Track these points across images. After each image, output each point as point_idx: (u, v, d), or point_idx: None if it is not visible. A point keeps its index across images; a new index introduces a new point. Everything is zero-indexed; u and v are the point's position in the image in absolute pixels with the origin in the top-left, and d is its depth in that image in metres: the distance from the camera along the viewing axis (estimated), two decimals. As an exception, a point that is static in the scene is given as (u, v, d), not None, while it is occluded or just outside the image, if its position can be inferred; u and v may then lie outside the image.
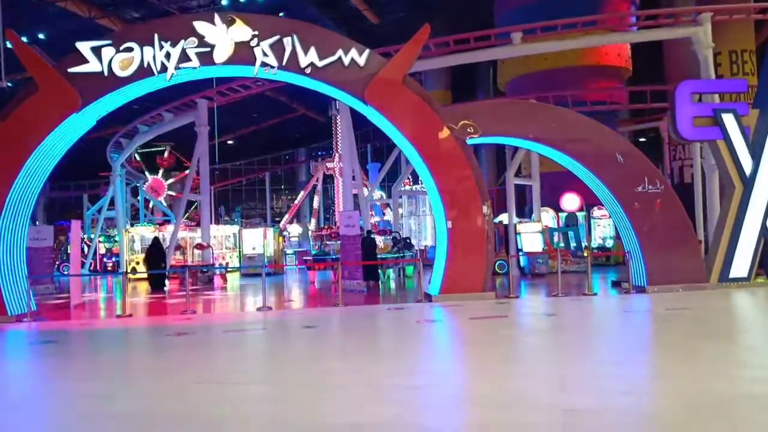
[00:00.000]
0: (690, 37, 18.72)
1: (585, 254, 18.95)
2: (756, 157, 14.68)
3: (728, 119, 14.79)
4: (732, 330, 9.69)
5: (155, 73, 12.82)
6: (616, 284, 15.95)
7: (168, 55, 12.77)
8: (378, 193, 36.04)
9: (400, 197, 29.50)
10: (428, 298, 13.67)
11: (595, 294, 14.18)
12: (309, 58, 13.03)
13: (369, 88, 13.17)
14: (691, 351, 7.67)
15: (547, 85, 27.46)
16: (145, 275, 20.67)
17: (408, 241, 21.83)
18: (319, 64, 13.09)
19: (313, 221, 42.23)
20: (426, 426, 5.02)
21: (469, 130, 14.03)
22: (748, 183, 14.65)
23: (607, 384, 6.12)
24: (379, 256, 18.64)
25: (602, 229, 26.28)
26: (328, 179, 42.95)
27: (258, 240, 25.40)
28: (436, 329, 10.58)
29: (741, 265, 14.40)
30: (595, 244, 25.59)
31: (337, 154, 35.71)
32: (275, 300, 15.50)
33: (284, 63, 13.08)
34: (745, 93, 17.46)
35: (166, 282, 19.66)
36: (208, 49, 12.87)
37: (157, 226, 28.38)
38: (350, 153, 20.74)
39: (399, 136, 13.83)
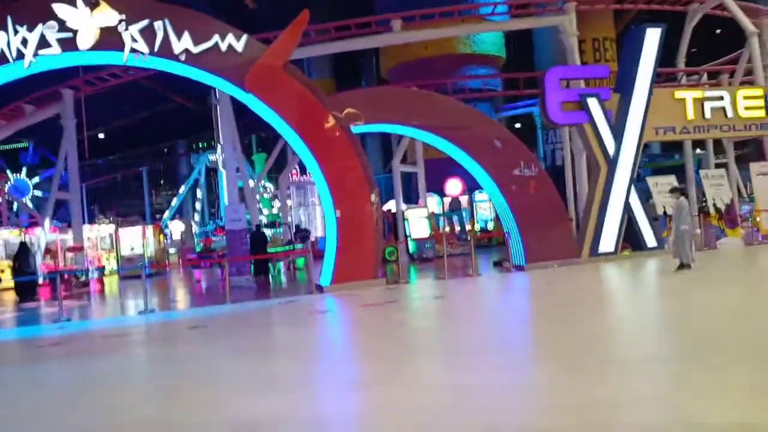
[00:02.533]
0: (557, 26, 19.86)
1: (468, 237, 19.66)
2: (618, 138, 15.84)
3: (593, 103, 15.84)
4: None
5: (11, 60, 11.73)
6: (497, 264, 16.67)
7: (24, 41, 11.71)
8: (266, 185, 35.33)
9: (288, 188, 29.08)
10: (320, 289, 13.58)
11: (480, 275, 14.74)
12: (183, 43, 12.43)
13: (249, 75, 12.77)
14: (562, 321, 8.16)
15: (428, 72, 28.11)
16: (11, 284, 18.92)
17: (308, 232, 21.62)
18: (195, 50, 12.53)
19: (197, 217, 40.69)
20: (322, 414, 4.96)
21: (353, 118, 14.04)
22: (612, 163, 15.79)
23: (492, 360, 6.36)
24: (269, 249, 18.26)
25: (484, 212, 27.39)
26: (212, 172, 41.50)
27: (137, 239, 24.03)
28: (328, 319, 10.53)
29: (608, 241, 15.54)
30: (478, 226, 26.62)
31: (219, 146, 34.53)
32: (158, 302, 14.74)
33: (156, 49, 12.39)
34: (607, 78, 18.73)
35: (37, 290, 18.10)
36: (71, 34, 11.92)
37: (24, 229, 26.06)
38: (233, 144, 20.10)
39: (283, 126, 13.56)
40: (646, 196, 16.67)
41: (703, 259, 13.97)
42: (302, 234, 20.06)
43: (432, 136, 15.40)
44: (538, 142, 34.56)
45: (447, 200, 27.04)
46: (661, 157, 38.34)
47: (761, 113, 17.43)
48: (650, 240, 15.84)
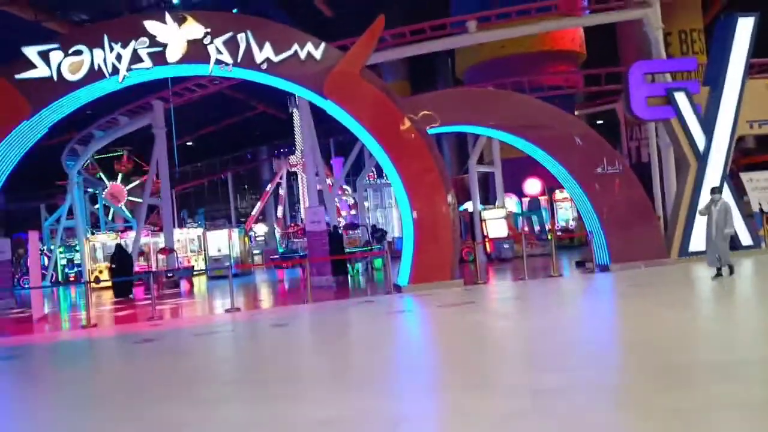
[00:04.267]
0: (641, 19, 19.09)
1: (549, 237, 19.24)
2: (708, 133, 15.09)
3: (680, 98, 15.16)
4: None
5: (107, 75, 12.53)
6: (579, 264, 16.24)
7: (119, 57, 12.50)
8: (344, 188, 35.96)
9: (366, 191, 29.48)
10: (398, 289, 13.71)
11: (560, 275, 14.42)
12: (264, 53, 12.90)
13: (327, 81, 13.10)
14: (652, 321, 7.86)
15: (505, 72, 27.72)
16: (109, 284, 20.23)
17: (384, 232, 21.86)
18: (275, 59, 12.97)
19: (280, 219, 41.90)
20: (399, 412, 5.03)
21: (428, 120, 14.10)
22: (702, 159, 15.06)
23: (575, 361, 6.23)
24: (347, 250, 18.60)
25: (564, 211, 26.71)
26: (293, 176, 42.62)
27: (223, 241, 25.08)
28: (406, 319, 10.61)
29: (699, 240, 14.79)
30: (558, 226, 26.00)
31: (299, 151, 35.46)
32: (244, 301, 15.34)
33: (239, 60, 12.92)
34: (696, 71, 17.90)
35: (132, 289, 19.28)
36: (160, 48, 12.63)
37: (119, 233, 27.79)
38: (312, 148, 20.61)
39: (360, 129, 13.80)
40: (740, 193, 15.77)
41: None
42: (379, 234, 20.27)
43: (510, 135, 15.21)
44: (620, 138, 33.32)
45: (525, 200, 26.55)
46: (757, 151, 36.12)
47: None
48: (745, 238, 14.97)
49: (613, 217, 14.61)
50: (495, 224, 21.29)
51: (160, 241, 24.57)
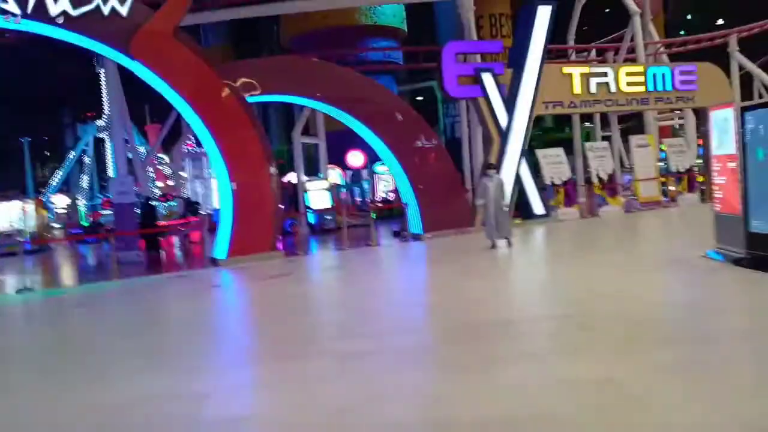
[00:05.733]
0: (455, 1, 20.09)
1: (369, 208, 19.83)
2: (510, 112, 16.41)
3: (487, 78, 16.28)
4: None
5: None
6: (396, 234, 16.93)
7: None
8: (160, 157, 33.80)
9: (184, 160, 27.96)
10: (215, 263, 13.25)
11: (378, 245, 14.94)
12: (60, 5, 11.50)
13: (134, 40, 12.05)
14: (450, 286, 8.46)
15: (329, 43, 27.75)
16: None
17: (196, 205, 20.93)
18: (74, 13, 11.64)
19: (85, 190, 38.34)
20: (202, 392, 4.86)
21: (249, 87, 13.68)
22: (504, 135, 16.37)
23: (382, 326, 6.49)
24: (162, 223, 17.56)
25: (385, 183, 27.64)
26: (102, 143, 39.16)
27: (15, 215, 22.31)
28: (220, 293, 10.32)
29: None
30: (378, 197, 26.85)
31: (106, 115, 32.58)
32: (40, 279, 13.85)
33: (29, 11, 11.39)
34: (502, 53, 19.27)
35: None
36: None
37: None
38: (121, 112, 19.01)
39: (173, 95, 12.94)
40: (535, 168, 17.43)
41: (587, 223, 14.86)
42: (192, 207, 19.41)
43: (332, 108, 15.31)
44: (438, 115, 35.13)
45: (349, 172, 27.03)
46: (553, 130, 40.17)
47: (641, 89, 18.61)
48: (538, 209, 16.67)
49: (426, 189, 15.40)
50: (318, 196, 21.40)
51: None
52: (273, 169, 13.66)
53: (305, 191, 20.95)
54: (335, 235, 19.07)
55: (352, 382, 4.75)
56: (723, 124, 8.79)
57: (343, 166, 26.89)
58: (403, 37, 34.58)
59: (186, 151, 27.37)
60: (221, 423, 4.09)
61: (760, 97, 25.67)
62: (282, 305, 8.55)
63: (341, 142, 26.00)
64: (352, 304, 8.29)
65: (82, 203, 33.09)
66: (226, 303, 9.69)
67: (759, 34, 25.88)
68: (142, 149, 28.14)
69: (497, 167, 14.55)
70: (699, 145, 22.38)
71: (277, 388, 4.79)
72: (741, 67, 25.24)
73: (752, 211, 8.13)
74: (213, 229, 16.23)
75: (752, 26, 25.23)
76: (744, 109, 8.39)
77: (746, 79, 25.82)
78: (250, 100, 13.83)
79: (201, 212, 20.38)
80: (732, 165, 8.52)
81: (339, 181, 25.59)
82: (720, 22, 37.16)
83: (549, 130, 35.46)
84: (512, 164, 16.26)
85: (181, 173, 27.68)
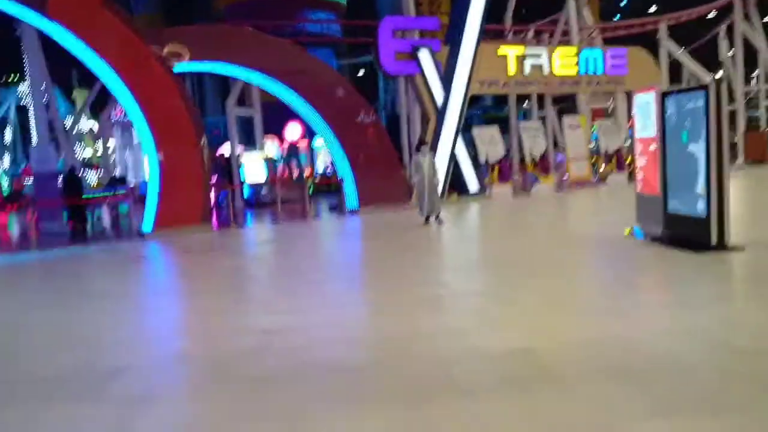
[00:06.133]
0: (395, -25, 19.89)
1: (307, 182, 19.64)
2: (446, 90, 16.49)
3: (423, 55, 16.28)
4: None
5: None
6: (333, 208, 16.86)
7: None
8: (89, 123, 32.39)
9: (112, 128, 26.78)
10: (141, 235, 12.85)
11: (314, 219, 14.84)
12: (-33, -42, 10.73)
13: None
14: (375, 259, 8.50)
15: (266, 14, 27.07)
16: None
17: (124, 175, 20.18)
18: (-16, -33, 10.88)
19: (7, 157, 36.36)
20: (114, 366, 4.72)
21: (177, 55, 13.19)
22: (441, 113, 16.45)
23: (288, 304, 6.45)
24: (88, 194, 16.80)
25: (324, 157, 27.40)
26: (25, 110, 37.08)
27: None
28: (144, 266, 10.01)
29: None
30: (317, 171, 26.63)
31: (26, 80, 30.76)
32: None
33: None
34: (439, 31, 19.27)
35: None
36: None
37: None
38: (41, 77, 17.93)
39: (96, 61, 12.34)
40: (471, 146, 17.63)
41: (519, 201, 15.19)
42: (121, 178, 18.73)
43: (266, 79, 14.97)
44: (379, 91, 35.00)
45: (286, 145, 26.64)
46: (493, 109, 40.74)
47: (574, 71, 19.03)
48: (473, 186, 16.91)
49: (362, 164, 15.35)
50: (254, 168, 21.00)
51: None
52: (203, 140, 13.29)
53: (240, 164, 20.52)
54: (271, 209, 18.81)
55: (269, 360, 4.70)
56: (645, 107, 9.08)
57: (281, 139, 26.47)
58: (343, 10, 34.13)
59: (115, 118, 26.20)
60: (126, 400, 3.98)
61: (689, 83, 26.70)
62: (203, 280, 8.36)
63: (279, 113, 25.57)
64: (276, 279, 8.20)
65: (2, 171, 31.32)
66: (145, 276, 9.41)
67: (688, 22, 26.82)
68: (69, 117, 26.81)
69: (430, 144, 14.62)
70: (630, 127, 23.16)
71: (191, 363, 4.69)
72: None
73: (670, 192, 8.47)
74: (142, 200, 15.73)
75: (681, 14, 26.11)
76: (665, 94, 8.69)
77: (678, 65, 26.76)
78: (179, 68, 13.37)
79: (129, 183, 19.67)
80: (653, 148, 8.83)
81: (276, 154, 25.18)
82: (653, 9, 38.32)
83: (489, 109, 35.96)
84: (448, 142, 16.39)
85: (110, 142, 26.57)
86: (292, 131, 26.76)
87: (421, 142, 12.90)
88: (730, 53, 25.72)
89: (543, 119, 22.12)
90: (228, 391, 4.04)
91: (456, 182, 16.77)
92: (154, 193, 12.86)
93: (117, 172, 20.67)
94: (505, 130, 20.45)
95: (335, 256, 10.32)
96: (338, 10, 33.52)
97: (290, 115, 25.23)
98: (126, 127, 31.05)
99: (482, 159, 17.56)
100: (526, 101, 27.20)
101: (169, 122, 12.79)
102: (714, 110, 7.55)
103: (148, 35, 12.86)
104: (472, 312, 5.76)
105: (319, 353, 4.73)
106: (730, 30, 25.71)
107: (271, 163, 22.29)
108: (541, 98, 22.21)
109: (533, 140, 18.75)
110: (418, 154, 12.29)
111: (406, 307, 5.97)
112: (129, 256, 10.69)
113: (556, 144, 24.27)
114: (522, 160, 19.18)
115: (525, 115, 26.28)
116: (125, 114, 31.42)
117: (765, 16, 26.06)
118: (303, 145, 27.21)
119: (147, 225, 12.89)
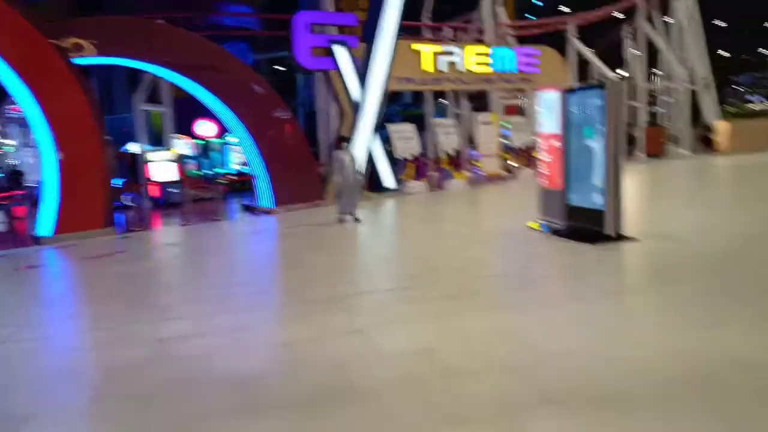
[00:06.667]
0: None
1: (221, 180, 19.08)
2: (363, 86, 16.41)
3: (339, 51, 16.14)
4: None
5: None
6: (247, 208, 16.44)
7: None
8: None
9: (8, 125, 25.04)
10: (37, 240, 12.03)
11: (226, 219, 14.41)
12: None
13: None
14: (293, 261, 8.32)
15: (177, 5, 26.04)
16: None
17: (21, 173, 18.92)
18: None
19: None
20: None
21: (78, 48, 12.46)
22: (358, 110, 16.37)
23: (199, 307, 6.20)
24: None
25: (238, 155, 26.69)
26: None
27: None
28: (39, 275, 9.37)
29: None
30: (231, 170, 25.92)
31: None
32: None
33: None
34: (356, 27, 19.14)
35: None
36: None
37: None
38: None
39: (-13, 53, 11.43)
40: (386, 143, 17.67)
41: (433, 196, 15.36)
42: (17, 179, 17.57)
43: (175, 74, 14.41)
44: (297, 86, 34.55)
45: (198, 142, 25.79)
46: (412, 106, 41.09)
47: (488, 69, 19.41)
48: (389, 182, 16.96)
49: (277, 163, 15.05)
50: (162, 167, 20.15)
51: None
52: (106, 138, 12.61)
53: (147, 162, 19.62)
54: (181, 209, 18.15)
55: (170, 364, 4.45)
56: (550, 105, 9.35)
57: (193, 136, 25.60)
58: (260, 3, 33.43)
59: (11, 115, 24.53)
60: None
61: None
62: (101, 287, 7.90)
63: (191, 110, 24.67)
64: (180, 284, 7.87)
65: None
66: (42, 285, 8.80)
67: (594, 22, 27.94)
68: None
69: (350, 141, 14.51)
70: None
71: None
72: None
73: (571, 186, 8.76)
74: (37, 203, 14.77)
75: (587, 14, 27.17)
76: (568, 92, 8.97)
77: (587, 64, 27.82)
78: (81, 62, 12.63)
79: (26, 184, 18.44)
80: (556, 143, 9.09)
81: (186, 152, 24.29)
82: (565, 9, 39.72)
83: (408, 106, 36.20)
84: (365, 139, 16.33)
85: (5, 140, 24.90)
86: (205, 128, 25.91)
87: (342, 138, 12.79)
88: (635, 52, 27.03)
89: (458, 116, 22.48)
90: (112, 410, 3.79)
91: (372, 179, 16.75)
92: (52, 196, 12.07)
93: (13, 172, 19.33)
94: (423, 127, 20.62)
95: (245, 257, 10.03)
96: (255, 3, 32.78)
97: (203, 111, 24.48)
98: (24, 124, 29.19)
99: (398, 155, 17.62)
100: (440, 99, 27.60)
101: (69, 119, 12.04)
102: (612, 107, 7.85)
103: (48, 28, 12.02)
104: (374, 311, 5.70)
105: (218, 362, 4.53)
106: (634, 31, 27.03)
107: (180, 161, 21.47)
108: (458, 95, 22.55)
109: (446, 137, 19.00)
110: (339, 152, 12.15)
111: (312, 308, 5.84)
112: (18, 264, 9.97)
113: (473, 141, 24.73)
114: (437, 157, 19.38)
115: (442, 113, 26.59)
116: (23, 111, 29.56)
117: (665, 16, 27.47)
118: (216, 142, 26.42)
119: (44, 229, 12.08)
